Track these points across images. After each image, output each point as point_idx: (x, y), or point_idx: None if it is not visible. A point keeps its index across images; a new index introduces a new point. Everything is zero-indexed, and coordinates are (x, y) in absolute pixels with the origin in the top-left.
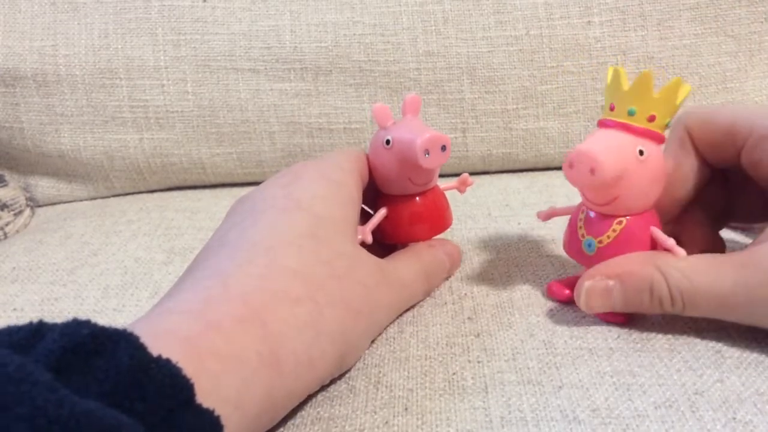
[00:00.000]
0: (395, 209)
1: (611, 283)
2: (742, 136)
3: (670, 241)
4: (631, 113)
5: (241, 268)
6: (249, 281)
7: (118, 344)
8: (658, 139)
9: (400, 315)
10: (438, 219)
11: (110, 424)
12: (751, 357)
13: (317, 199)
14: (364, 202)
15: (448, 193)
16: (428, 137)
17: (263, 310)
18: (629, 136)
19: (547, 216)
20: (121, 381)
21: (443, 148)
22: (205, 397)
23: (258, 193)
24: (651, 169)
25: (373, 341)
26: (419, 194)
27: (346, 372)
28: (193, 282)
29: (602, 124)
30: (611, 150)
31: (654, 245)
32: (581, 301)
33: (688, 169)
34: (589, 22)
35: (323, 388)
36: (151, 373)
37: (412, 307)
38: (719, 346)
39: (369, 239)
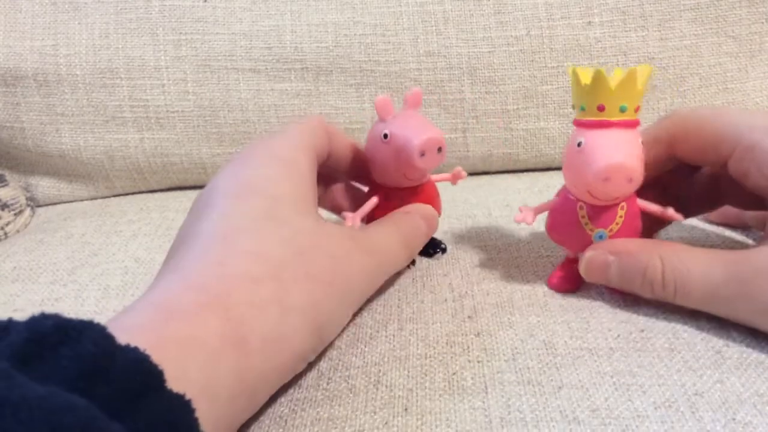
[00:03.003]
0: (388, 199)
1: (611, 258)
2: (728, 147)
3: (669, 210)
4: (623, 110)
5: (198, 259)
6: (208, 270)
7: (82, 333)
8: (639, 124)
9: (400, 310)
10: (436, 203)
11: (61, 406)
12: (752, 358)
13: (269, 181)
14: (358, 189)
15: (440, 185)
16: (425, 139)
17: (224, 295)
18: (630, 132)
19: (533, 217)
20: (84, 367)
21: (439, 149)
22: (171, 383)
23: (211, 184)
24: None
25: (355, 315)
26: (415, 186)
27: (345, 370)
28: (155, 283)
29: (596, 124)
30: (634, 153)
31: (644, 216)
32: (582, 268)
33: (650, 160)
34: (589, 22)
35: (322, 387)
36: (116, 359)
37: (411, 302)
38: (719, 346)
39: (357, 225)
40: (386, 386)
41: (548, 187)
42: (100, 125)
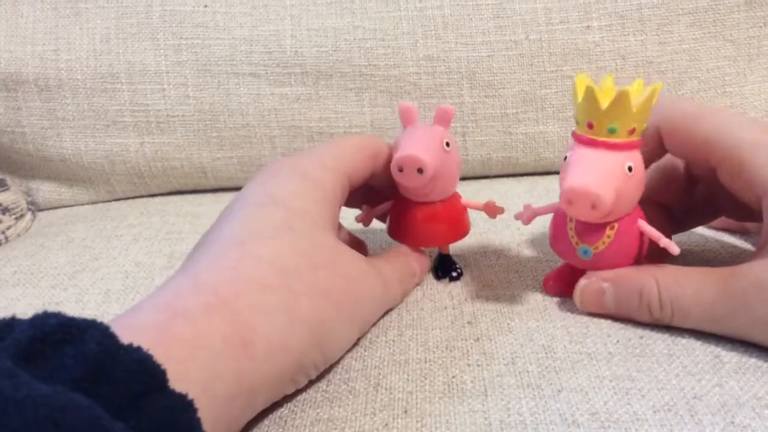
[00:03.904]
0: (410, 214)
1: (605, 284)
2: (716, 156)
3: (664, 240)
4: (612, 131)
5: (212, 262)
6: (220, 273)
7: (86, 332)
8: (639, 146)
9: (400, 317)
10: (452, 226)
11: (65, 406)
12: (750, 362)
13: (292, 195)
14: (390, 192)
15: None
16: (400, 156)
17: (233, 298)
18: (615, 154)
19: (528, 219)
20: (88, 366)
21: (419, 170)
22: (173, 382)
23: (237, 195)
24: (638, 178)
25: (360, 338)
26: (434, 202)
27: (345, 373)
28: (166, 282)
29: (583, 141)
30: (606, 179)
31: (643, 237)
32: (576, 298)
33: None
34: (588, 26)
35: (322, 389)
36: (119, 358)
37: (411, 309)
38: (718, 350)
39: (366, 224)
40: (386, 389)
41: (548, 191)
42: (101, 129)
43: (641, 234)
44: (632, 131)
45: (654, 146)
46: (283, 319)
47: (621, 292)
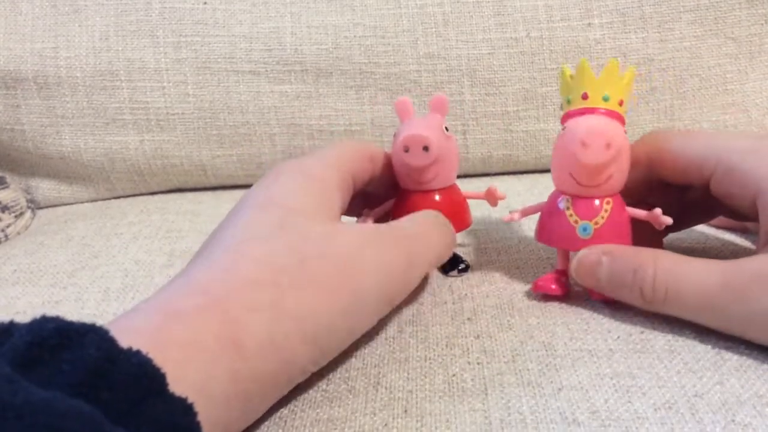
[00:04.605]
0: (412, 204)
1: (603, 257)
2: (709, 169)
3: (653, 213)
4: (605, 99)
5: (207, 265)
6: (212, 274)
7: (85, 337)
8: (624, 125)
9: (399, 313)
10: (455, 215)
11: (66, 412)
12: (751, 359)
13: (292, 194)
14: (387, 197)
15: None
16: (407, 136)
17: (224, 298)
18: (612, 120)
19: (519, 215)
20: (87, 371)
21: (425, 148)
22: (171, 386)
23: (241, 198)
24: (627, 157)
25: (375, 333)
26: (435, 191)
27: (344, 372)
28: (165, 285)
29: (581, 111)
30: (616, 129)
31: (631, 224)
32: (573, 266)
33: (632, 182)
34: (589, 24)
35: (322, 388)
36: (118, 363)
37: (410, 304)
38: (719, 348)
39: (370, 222)
40: (386, 388)
41: (548, 188)
42: (101, 127)
43: (630, 218)
44: (621, 103)
45: (643, 174)
46: (270, 315)
47: (616, 266)
